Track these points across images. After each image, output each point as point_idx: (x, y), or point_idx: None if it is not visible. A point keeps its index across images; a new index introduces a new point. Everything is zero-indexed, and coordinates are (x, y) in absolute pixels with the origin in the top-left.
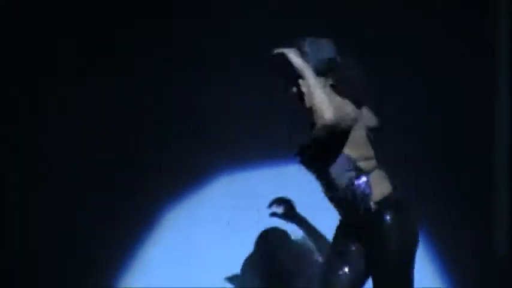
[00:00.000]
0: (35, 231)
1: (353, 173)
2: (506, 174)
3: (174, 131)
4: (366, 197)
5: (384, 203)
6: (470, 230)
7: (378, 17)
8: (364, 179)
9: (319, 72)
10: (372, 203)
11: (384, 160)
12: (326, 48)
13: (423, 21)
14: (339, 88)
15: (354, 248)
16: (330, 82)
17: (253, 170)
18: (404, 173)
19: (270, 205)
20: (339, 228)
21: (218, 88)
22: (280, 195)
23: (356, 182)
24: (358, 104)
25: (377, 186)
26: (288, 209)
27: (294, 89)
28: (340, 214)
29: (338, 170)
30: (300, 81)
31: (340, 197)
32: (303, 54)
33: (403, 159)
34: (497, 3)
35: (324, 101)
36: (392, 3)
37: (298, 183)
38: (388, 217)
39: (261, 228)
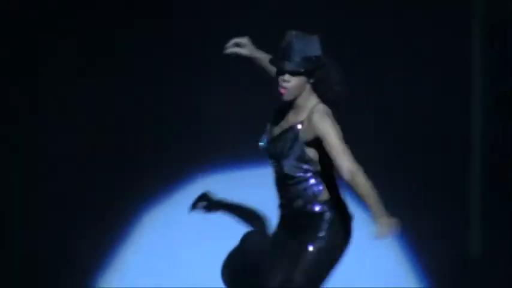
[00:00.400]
0: (10, 232)
1: (310, 172)
2: (480, 175)
3: (150, 135)
4: (313, 199)
5: (327, 206)
6: (445, 230)
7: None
8: (314, 180)
9: (305, 70)
10: (316, 205)
11: (361, 160)
12: (314, 46)
13: (423, 21)
14: (318, 87)
15: (289, 239)
16: (312, 80)
17: (230, 172)
18: (379, 174)
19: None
20: (279, 219)
21: (195, 91)
22: (257, 196)
23: (310, 180)
24: (332, 105)
25: (324, 191)
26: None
27: (286, 79)
28: (282, 205)
29: (296, 164)
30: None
31: (293, 190)
32: (290, 50)
33: (378, 160)
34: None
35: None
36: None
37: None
38: (327, 220)
39: (237, 229)
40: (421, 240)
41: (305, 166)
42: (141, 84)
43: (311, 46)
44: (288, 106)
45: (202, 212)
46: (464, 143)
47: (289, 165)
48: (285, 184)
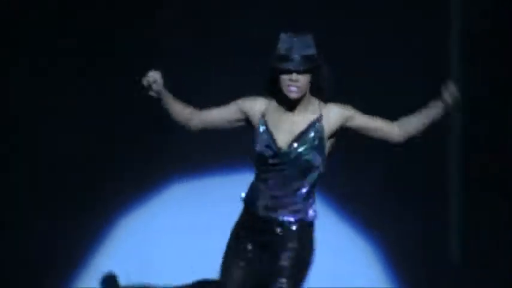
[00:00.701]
0: None
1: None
2: (460, 182)
3: (126, 141)
4: (307, 211)
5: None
6: (425, 238)
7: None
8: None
9: (311, 68)
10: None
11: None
12: (311, 45)
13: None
14: (314, 86)
15: (257, 251)
16: (311, 80)
17: (205, 177)
18: (357, 179)
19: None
20: (244, 227)
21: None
22: (232, 202)
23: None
24: (324, 102)
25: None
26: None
27: (293, 78)
28: (264, 215)
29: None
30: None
31: (288, 198)
32: (293, 50)
33: (356, 166)
34: None
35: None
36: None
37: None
38: (312, 236)
39: (213, 234)
40: (401, 247)
41: (314, 169)
42: (116, 91)
43: (309, 45)
44: (287, 108)
45: None
46: (443, 149)
47: (319, 162)
48: (293, 195)
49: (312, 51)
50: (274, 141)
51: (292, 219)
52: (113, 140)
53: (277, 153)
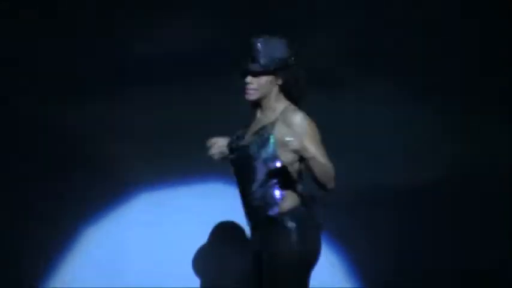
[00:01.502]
0: None
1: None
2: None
3: (94, 147)
4: (274, 204)
5: (289, 215)
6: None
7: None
8: (278, 191)
9: (269, 71)
10: (277, 212)
11: None
12: (279, 48)
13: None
14: (284, 88)
15: (256, 250)
16: (279, 82)
17: (173, 186)
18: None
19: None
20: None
21: (137, 101)
22: (200, 210)
23: (271, 190)
24: (297, 105)
25: (287, 199)
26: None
27: (249, 81)
28: (248, 216)
29: (265, 165)
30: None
31: (254, 198)
32: (252, 52)
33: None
34: None
35: (331, 172)
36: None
37: (218, 198)
38: (289, 228)
39: (183, 242)
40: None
41: (272, 168)
42: (86, 98)
43: (276, 48)
44: (257, 113)
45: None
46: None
47: (259, 166)
48: (250, 190)
49: (275, 54)
50: (239, 138)
51: (262, 216)
52: (75, 148)
53: (236, 151)
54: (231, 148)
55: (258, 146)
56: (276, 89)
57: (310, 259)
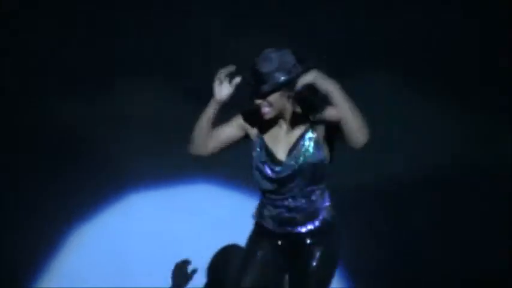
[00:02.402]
0: None
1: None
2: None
3: (85, 147)
4: (326, 207)
5: (334, 215)
6: None
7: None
8: (326, 192)
9: (289, 83)
10: (330, 214)
11: None
12: (286, 59)
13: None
14: (298, 96)
15: (275, 254)
16: (291, 94)
17: (173, 184)
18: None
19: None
20: (261, 234)
21: (137, 99)
22: (190, 210)
23: (323, 192)
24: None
25: (328, 199)
26: None
27: (259, 102)
28: (283, 220)
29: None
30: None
31: (304, 206)
32: (251, 76)
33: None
34: None
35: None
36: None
37: (220, 196)
38: (336, 230)
39: (170, 242)
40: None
41: (322, 171)
42: (75, 96)
43: (283, 60)
44: (280, 123)
45: None
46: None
47: (322, 157)
48: (296, 195)
49: (277, 70)
50: (272, 155)
51: (311, 226)
52: (75, 146)
53: (279, 166)
54: (271, 166)
55: (315, 152)
56: (290, 99)
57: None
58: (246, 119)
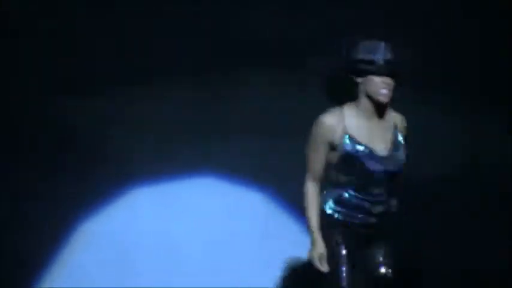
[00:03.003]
0: None
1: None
2: None
3: (96, 144)
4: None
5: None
6: None
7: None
8: None
9: (353, 72)
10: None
11: None
12: (392, 52)
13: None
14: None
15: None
16: (359, 81)
17: (163, 184)
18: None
19: None
20: (344, 232)
21: (138, 97)
22: (191, 207)
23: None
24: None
25: None
26: None
27: (389, 82)
28: (366, 218)
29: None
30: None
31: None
32: (378, 54)
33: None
34: None
35: None
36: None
37: (222, 194)
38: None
39: (176, 238)
40: None
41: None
42: (87, 93)
43: (392, 52)
44: (370, 115)
45: None
46: None
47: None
48: (388, 184)
49: (397, 58)
50: (372, 151)
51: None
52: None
53: (380, 161)
54: (370, 162)
55: (401, 152)
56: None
57: None
58: (327, 134)
